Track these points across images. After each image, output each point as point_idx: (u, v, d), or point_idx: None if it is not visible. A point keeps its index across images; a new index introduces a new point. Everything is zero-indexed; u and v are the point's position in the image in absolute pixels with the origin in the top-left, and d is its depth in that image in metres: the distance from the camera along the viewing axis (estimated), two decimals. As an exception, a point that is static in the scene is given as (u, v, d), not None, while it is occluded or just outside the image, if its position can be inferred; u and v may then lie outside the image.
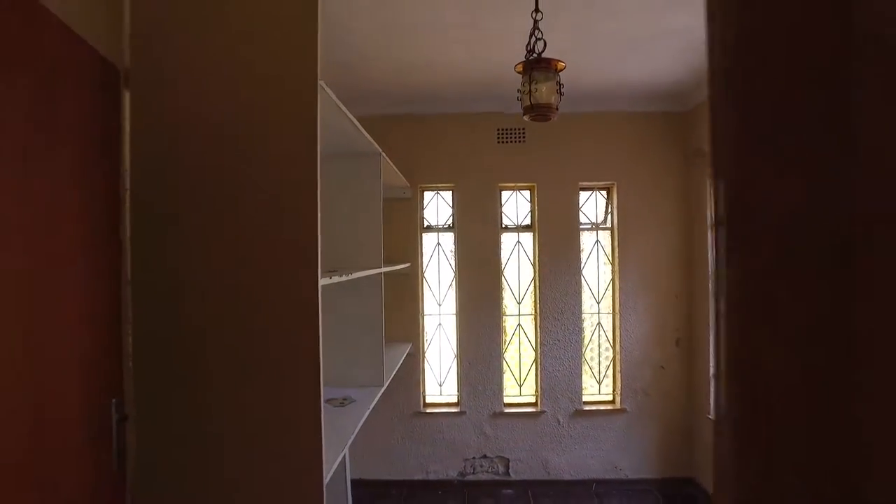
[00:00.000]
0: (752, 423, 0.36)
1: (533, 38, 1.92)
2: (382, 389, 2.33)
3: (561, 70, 1.93)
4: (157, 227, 1.37)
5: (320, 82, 1.39)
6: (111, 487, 1.10)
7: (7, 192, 0.82)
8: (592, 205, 3.57)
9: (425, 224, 3.56)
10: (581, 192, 3.50)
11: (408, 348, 3.29)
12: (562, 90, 1.95)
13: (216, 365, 1.39)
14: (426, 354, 3.58)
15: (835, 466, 0.34)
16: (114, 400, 1.16)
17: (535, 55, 1.91)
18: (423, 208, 3.54)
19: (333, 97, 1.53)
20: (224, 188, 1.38)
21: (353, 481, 3.29)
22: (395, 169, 2.77)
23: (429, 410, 3.50)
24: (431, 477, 3.46)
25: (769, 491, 0.35)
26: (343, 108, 1.65)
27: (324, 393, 1.45)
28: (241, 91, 1.38)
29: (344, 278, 1.75)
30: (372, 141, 2.10)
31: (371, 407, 2.09)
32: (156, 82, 1.37)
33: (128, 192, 1.34)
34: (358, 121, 1.86)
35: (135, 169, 1.34)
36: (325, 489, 1.42)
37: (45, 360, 0.92)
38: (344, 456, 2.30)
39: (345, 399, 2.15)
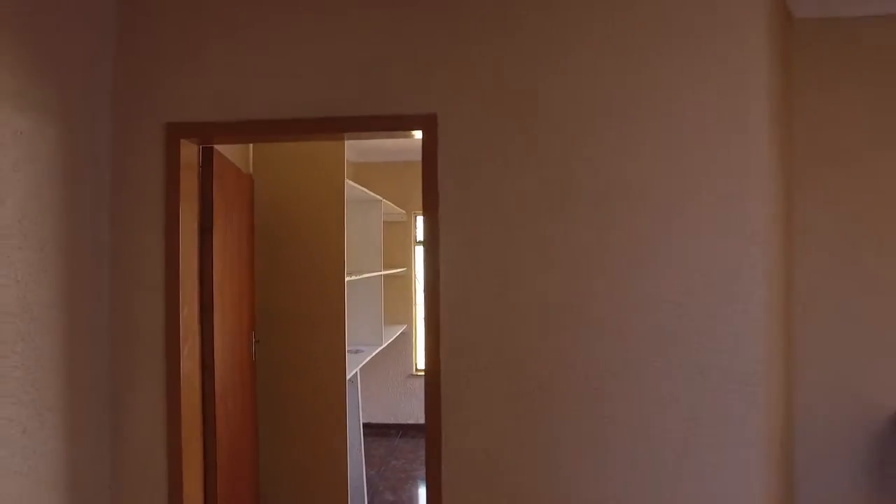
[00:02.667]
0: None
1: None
2: (380, 347, 3.84)
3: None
4: (266, 257, 2.90)
5: (347, 181, 2.91)
6: (253, 369, 2.63)
7: (239, 261, 2.33)
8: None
9: (417, 239, 5.07)
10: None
11: (403, 328, 4.80)
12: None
13: (294, 322, 2.92)
14: (417, 333, 5.09)
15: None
16: (253, 333, 2.68)
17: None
18: (415, 228, 5.05)
19: (354, 184, 3.05)
20: (295, 233, 2.91)
21: (364, 424, 4.82)
22: (392, 204, 4.28)
23: (418, 374, 5.00)
24: (420, 422, 4.96)
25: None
26: (359, 186, 3.17)
27: (347, 346, 2.97)
28: (307, 186, 2.91)
29: (358, 277, 3.28)
30: (377, 196, 3.63)
31: (373, 354, 3.62)
32: (266, 182, 2.90)
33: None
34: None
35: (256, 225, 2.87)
36: (346, 384, 2.94)
37: (240, 338, 2.44)
38: (358, 405, 3.79)
39: (358, 350, 3.67)
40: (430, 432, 1.82)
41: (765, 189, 1.76)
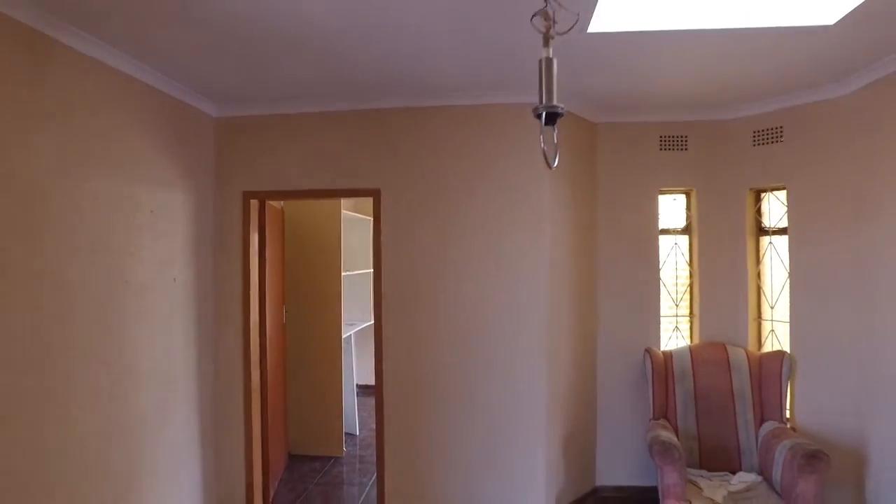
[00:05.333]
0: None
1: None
2: (369, 322, 5.61)
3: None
4: (291, 259, 4.68)
5: (344, 211, 4.68)
6: (284, 326, 4.41)
7: (277, 261, 4.09)
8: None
9: (402, 245, 6.84)
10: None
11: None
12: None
13: (307, 303, 4.69)
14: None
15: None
16: (284, 305, 4.45)
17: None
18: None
19: (349, 212, 4.82)
20: (309, 244, 4.69)
21: (362, 385, 6.61)
22: (381, 221, 6.04)
23: (403, 347, 6.76)
24: (403, 383, 6.72)
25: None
26: (353, 213, 4.94)
27: (344, 320, 4.74)
28: (316, 215, 4.68)
29: (353, 273, 5.06)
30: (368, 217, 5.39)
31: (362, 326, 5.39)
32: (292, 213, 4.67)
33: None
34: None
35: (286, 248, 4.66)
36: (342, 342, 4.71)
37: (277, 308, 4.21)
38: (352, 358, 5.55)
39: (353, 323, 5.45)
40: (377, 331, 3.57)
41: (550, 231, 3.47)
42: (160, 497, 3.05)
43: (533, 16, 1.63)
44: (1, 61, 2.09)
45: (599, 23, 2.41)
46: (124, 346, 2.78)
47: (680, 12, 2.30)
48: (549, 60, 1.59)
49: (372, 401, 6.58)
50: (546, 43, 1.61)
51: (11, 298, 2.13)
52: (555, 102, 1.58)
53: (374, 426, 5.72)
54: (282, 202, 4.58)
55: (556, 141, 1.68)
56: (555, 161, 1.65)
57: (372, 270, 5.89)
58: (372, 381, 6.87)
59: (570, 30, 1.71)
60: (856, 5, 2.13)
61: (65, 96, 2.41)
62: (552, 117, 1.57)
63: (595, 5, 2.24)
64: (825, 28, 2.33)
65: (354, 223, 5.74)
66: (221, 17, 2.31)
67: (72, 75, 2.45)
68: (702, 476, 3.32)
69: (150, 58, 2.78)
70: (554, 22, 1.63)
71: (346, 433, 5.16)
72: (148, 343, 2.97)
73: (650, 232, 3.92)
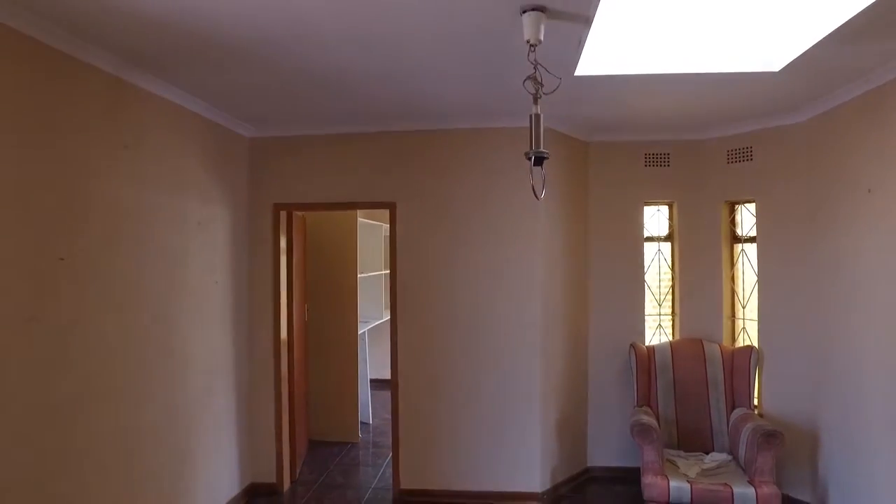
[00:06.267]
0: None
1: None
2: (381, 320, 6.08)
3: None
4: (312, 261, 5.15)
5: (359, 219, 5.15)
6: (306, 322, 4.88)
7: (300, 263, 4.56)
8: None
9: (411, 248, 7.30)
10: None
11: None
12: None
13: (327, 298, 5.16)
14: (411, 315, 7.31)
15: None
16: (306, 303, 4.92)
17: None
18: (409, 240, 7.29)
19: (363, 220, 5.29)
20: (328, 248, 5.16)
21: (375, 379, 7.08)
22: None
23: (411, 343, 7.22)
24: (412, 377, 7.18)
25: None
26: (368, 220, 5.41)
27: (359, 317, 5.21)
28: (335, 223, 5.15)
29: (368, 274, 5.53)
30: (381, 223, 5.86)
31: (376, 323, 5.86)
32: (314, 221, 5.15)
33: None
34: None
35: (305, 253, 5.12)
36: (357, 338, 5.19)
37: (300, 307, 4.68)
38: (366, 353, 6.02)
39: (367, 321, 5.91)
40: (392, 326, 4.04)
41: (543, 239, 3.92)
42: (207, 471, 3.53)
43: (525, 80, 2.09)
44: (89, 102, 2.57)
45: (585, 67, 2.86)
46: (179, 340, 3.25)
47: (653, 59, 2.75)
48: (537, 116, 2.06)
49: (383, 393, 7.10)
50: (535, 102, 2.08)
51: (100, 302, 2.61)
52: (542, 149, 2.04)
53: (385, 416, 6.22)
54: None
55: (542, 178, 2.14)
56: (541, 194, 2.11)
57: (384, 272, 6.38)
58: (383, 376, 7.43)
59: (554, 90, 2.17)
60: (794, 58, 2.57)
61: (136, 129, 2.88)
62: (539, 160, 2.04)
63: (580, 54, 2.69)
64: (773, 73, 2.78)
65: (368, 229, 6.20)
66: (264, 62, 2.77)
67: (141, 111, 2.93)
68: (679, 456, 3.77)
69: (201, 92, 3.25)
70: (541, 84, 2.09)
71: (361, 422, 5.62)
72: (198, 338, 3.44)
73: (636, 239, 4.37)
